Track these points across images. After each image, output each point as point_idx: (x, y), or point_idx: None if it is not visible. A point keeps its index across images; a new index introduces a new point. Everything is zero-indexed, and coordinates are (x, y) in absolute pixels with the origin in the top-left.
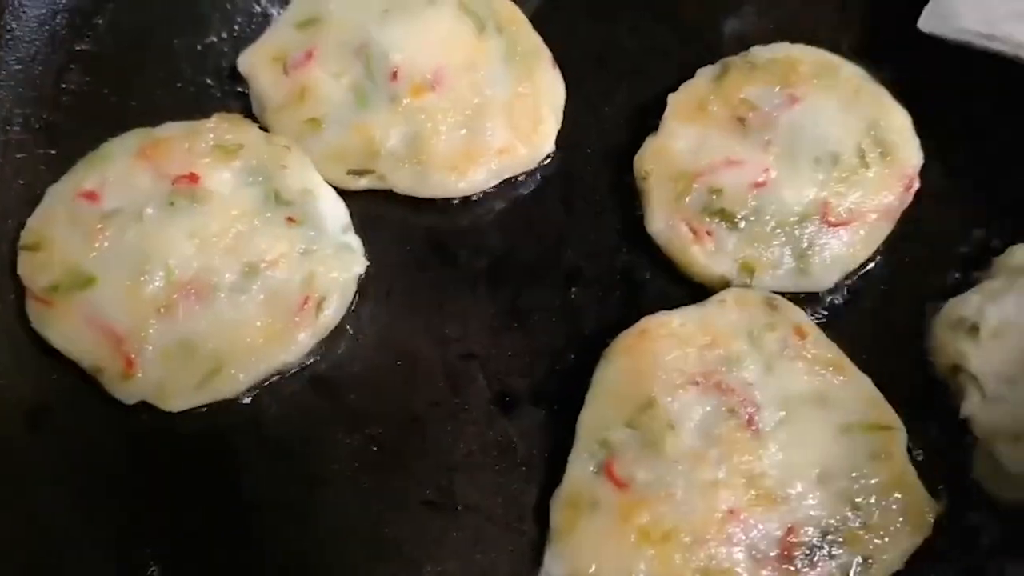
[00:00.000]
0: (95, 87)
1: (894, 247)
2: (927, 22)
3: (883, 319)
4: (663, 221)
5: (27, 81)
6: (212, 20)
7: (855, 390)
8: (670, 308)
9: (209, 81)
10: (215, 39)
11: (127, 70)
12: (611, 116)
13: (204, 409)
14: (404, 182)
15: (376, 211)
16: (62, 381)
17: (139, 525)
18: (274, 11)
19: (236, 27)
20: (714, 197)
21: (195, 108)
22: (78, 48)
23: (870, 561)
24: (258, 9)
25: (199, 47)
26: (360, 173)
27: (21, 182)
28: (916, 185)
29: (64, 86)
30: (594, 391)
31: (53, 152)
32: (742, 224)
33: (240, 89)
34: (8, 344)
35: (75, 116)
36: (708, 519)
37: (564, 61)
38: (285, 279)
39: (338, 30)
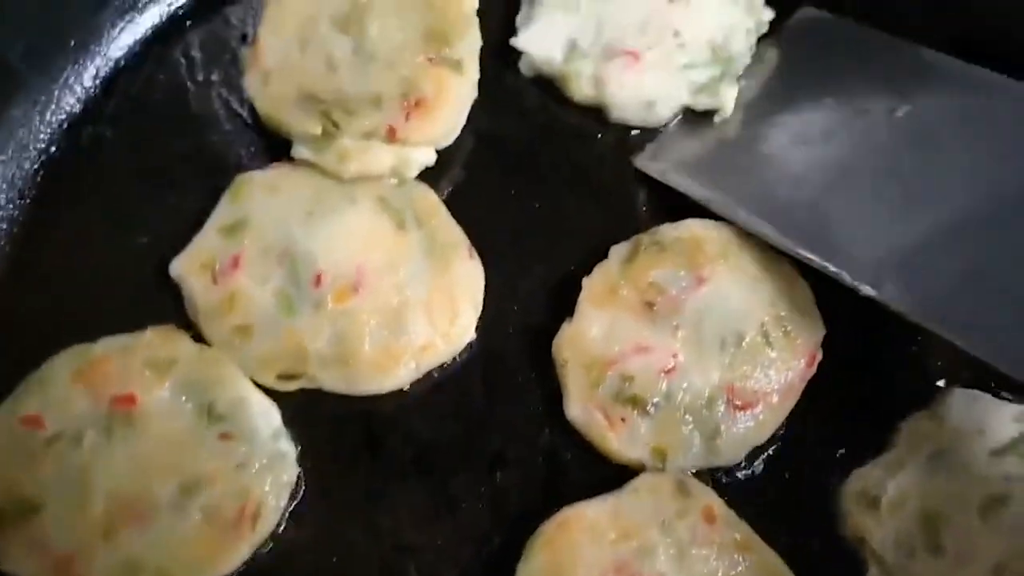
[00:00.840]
0: (30, 297)
1: (801, 418)
2: (642, 161)
3: (791, 490)
4: (580, 408)
5: None
6: (145, 220)
7: (763, 570)
8: (592, 487)
9: (142, 284)
10: (146, 240)
11: (56, 281)
12: (529, 295)
13: None
14: (332, 383)
15: (307, 408)
16: None
17: None
18: (203, 207)
19: (168, 226)
20: (626, 384)
21: (132, 312)
22: (13, 256)
23: None
24: (188, 205)
25: (132, 249)
26: (290, 377)
27: None
28: (819, 357)
29: None
30: None
31: None
32: (652, 410)
33: (173, 292)
34: None
35: (12, 330)
36: None
37: (481, 242)
38: (221, 494)
39: (262, 235)
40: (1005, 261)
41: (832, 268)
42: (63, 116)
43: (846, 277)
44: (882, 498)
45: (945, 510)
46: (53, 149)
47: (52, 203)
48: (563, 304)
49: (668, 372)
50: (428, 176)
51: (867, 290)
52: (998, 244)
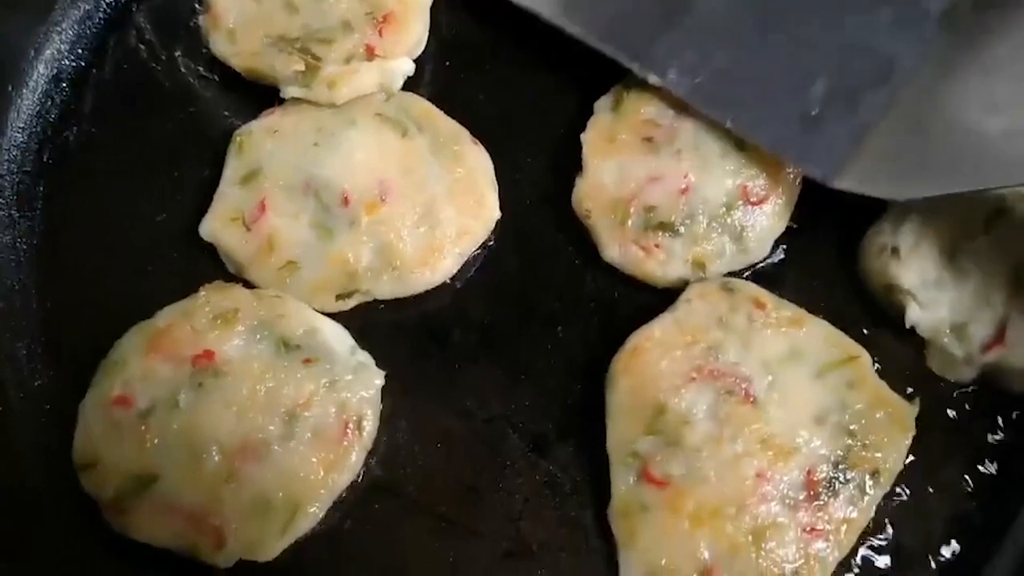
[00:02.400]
0: (72, 298)
1: (810, 204)
2: None
3: (818, 267)
4: (615, 248)
5: (12, 314)
6: (155, 198)
7: (818, 336)
8: (646, 318)
9: (176, 256)
10: (165, 215)
11: (97, 272)
12: (534, 167)
13: (292, 545)
14: (387, 290)
15: (367, 322)
16: (161, 568)
17: None
18: (207, 172)
19: (180, 197)
20: (650, 214)
21: (175, 287)
22: (43, 268)
23: (877, 473)
24: (193, 175)
25: (153, 228)
26: (347, 296)
27: (47, 407)
28: None
29: (47, 305)
30: (610, 414)
31: (60, 372)
32: (681, 229)
33: (208, 254)
34: (103, 552)
35: (69, 332)
36: (742, 488)
37: (476, 132)
38: (322, 413)
39: (278, 176)
40: (766, 54)
41: (625, 61)
42: (46, 123)
43: (636, 67)
44: (900, 247)
45: (955, 239)
46: (46, 158)
47: (62, 209)
48: (568, 166)
49: (684, 192)
50: (410, 86)
51: (654, 79)
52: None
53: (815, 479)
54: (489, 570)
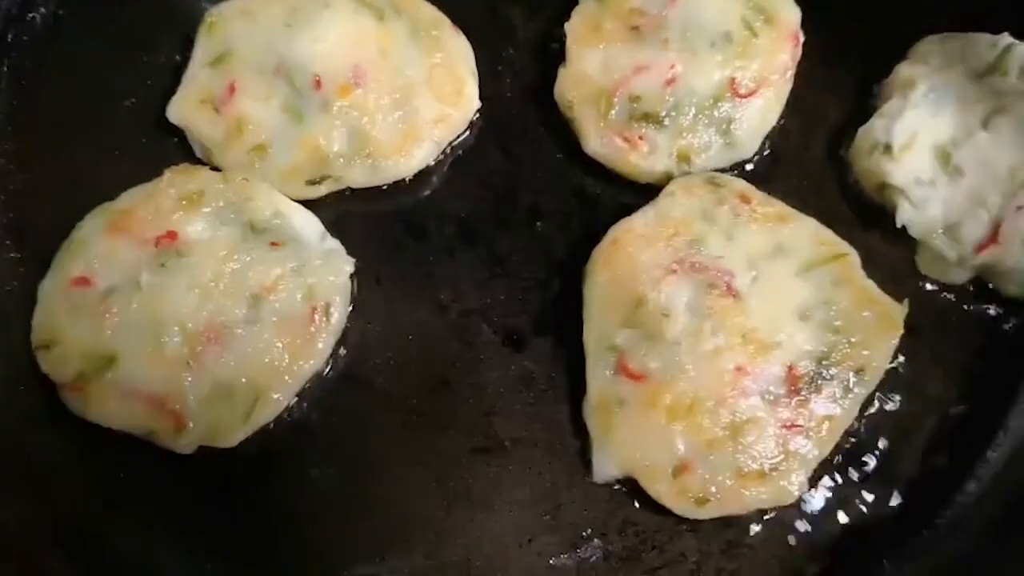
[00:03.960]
0: (36, 180)
1: (800, 100)
2: None
3: (807, 165)
4: (597, 140)
5: None
6: (123, 82)
7: (804, 233)
8: (628, 214)
9: (144, 141)
10: (133, 100)
11: (61, 155)
12: (515, 57)
13: (257, 433)
14: (359, 177)
15: (339, 212)
16: (121, 454)
17: (239, 554)
18: (177, 56)
19: (150, 82)
20: (635, 105)
21: (140, 171)
22: (6, 147)
23: (862, 371)
24: (163, 59)
25: (120, 113)
26: (317, 181)
27: (7, 289)
28: (801, 38)
29: (9, 187)
30: (588, 307)
31: (22, 254)
32: (666, 121)
33: (175, 138)
34: (59, 436)
35: (32, 213)
36: (721, 381)
37: (459, 20)
38: (289, 298)
39: (249, 58)
40: None
41: None
42: (11, 3)
43: None
44: (892, 143)
45: (951, 136)
46: (10, 38)
47: (26, 90)
48: (549, 56)
49: (670, 83)
50: None
51: None
52: None
53: (797, 374)
54: (460, 464)
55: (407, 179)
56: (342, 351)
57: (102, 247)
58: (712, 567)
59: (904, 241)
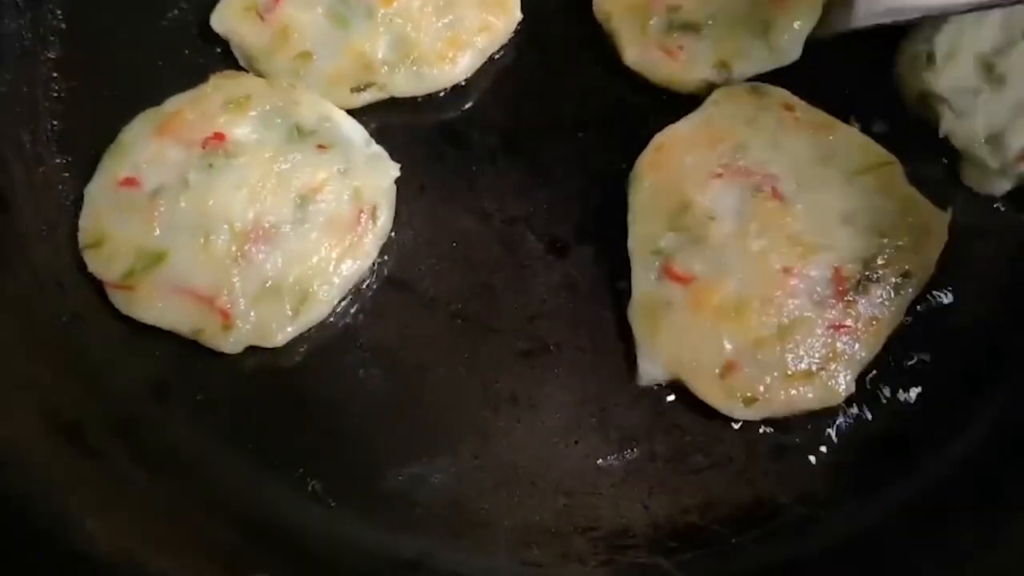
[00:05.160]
0: (84, 88)
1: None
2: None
3: (850, 74)
4: (636, 52)
5: (19, 100)
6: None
7: (848, 141)
8: (670, 123)
9: (187, 52)
10: (176, 12)
11: (107, 65)
12: None
13: (304, 335)
14: (403, 85)
15: (382, 122)
16: (168, 352)
17: (287, 452)
18: None
19: None
20: (674, 15)
21: (185, 81)
22: (52, 56)
23: (908, 275)
24: None
25: (164, 23)
26: (362, 88)
27: (54, 193)
28: None
29: (56, 95)
30: (633, 212)
31: (71, 158)
32: (705, 30)
33: (219, 49)
34: (107, 336)
35: (78, 119)
36: (768, 282)
37: None
38: (335, 200)
39: None
40: None
41: None
42: None
43: None
44: (935, 53)
45: (994, 45)
46: None
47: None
48: None
49: None
50: None
51: None
52: None
53: (843, 276)
54: (505, 367)
55: (449, 91)
56: (386, 257)
57: (149, 149)
58: (759, 468)
59: (946, 153)
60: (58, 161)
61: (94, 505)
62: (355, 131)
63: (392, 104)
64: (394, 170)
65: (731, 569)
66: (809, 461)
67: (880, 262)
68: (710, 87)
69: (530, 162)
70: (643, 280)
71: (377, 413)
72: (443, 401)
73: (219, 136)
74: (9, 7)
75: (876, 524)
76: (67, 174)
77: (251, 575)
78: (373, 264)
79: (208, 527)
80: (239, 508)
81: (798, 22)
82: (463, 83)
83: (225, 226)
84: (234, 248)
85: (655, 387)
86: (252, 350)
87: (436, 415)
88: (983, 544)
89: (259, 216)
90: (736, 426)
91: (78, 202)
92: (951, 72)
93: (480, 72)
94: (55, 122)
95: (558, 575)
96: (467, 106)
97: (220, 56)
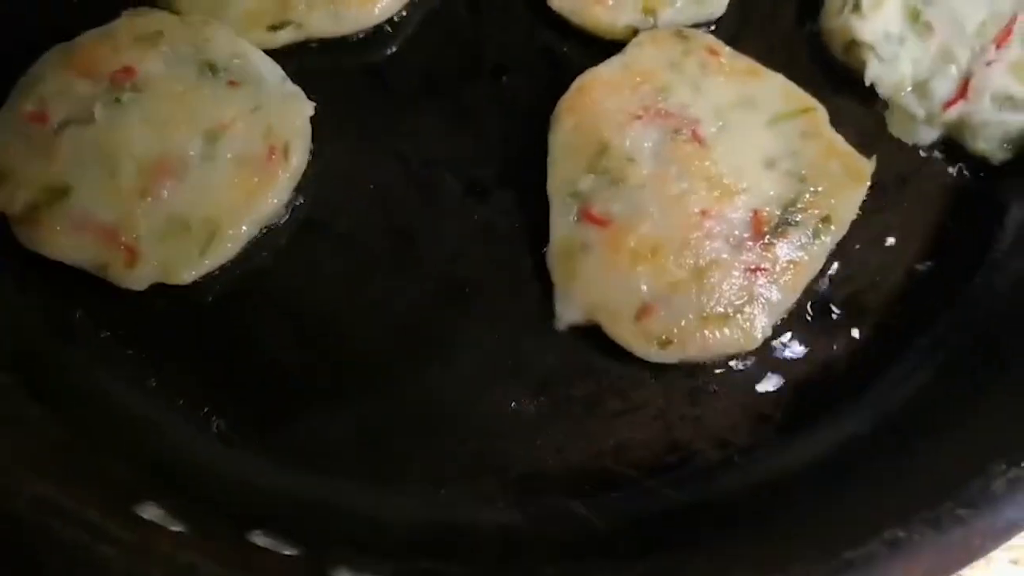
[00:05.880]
0: None
1: None
2: None
3: (777, 26)
4: None
5: None
6: None
7: (773, 87)
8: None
9: None
10: None
11: (19, 1)
12: None
13: (213, 275)
14: (321, 24)
15: (301, 64)
16: (75, 289)
17: (192, 391)
18: None
19: None
20: None
21: (99, 17)
22: None
23: (828, 220)
24: None
25: None
26: (279, 27)
27: None
28: None
29: None
30: (552, 155)
31: None
32: None
33: None
34: (11, 271)
35: None
36: (685, 224)
37: None
38: (246, 136)
39: None
40: None
41: None
42: None
43: None
44: (862, 1)
45: None
46: None
47: None
48: None
49: None
50: None
51: None
52: None
53: (762, 218)
54: (421, 310)
55: (374, 34)
56: (300, 200)
57: (57, 83)
58: (675, 413)
59: (872, 103)
60: None
61: None
62: (269, 69)
63: (320, 48)
64: (308, 108)
65: (645, 511)
66: (726, 406)
67: (799, 206)
68: (635, 34)
69: (451, 105)
70: (561, 223)
71: (287, 354)
72: (355, 344)
73: (128, 70)
74: None
75: (791, 470)
76: None
77: (137, 504)
78: (288, 205)
79: (100, 459)
80: (136, 443)
81: None
82: (388, 29)
83: (131, 162)
84: (140, 183)
85: (572, 331)
86: (162, 288)
87: (347, 357)
88: (894, 491)
89: (166, 151)
90: (653, 371)
91: None
92: (877, 20)
93: (407, 17)
94: None
95: (468, 516)
96: (391, 50)
97: None
